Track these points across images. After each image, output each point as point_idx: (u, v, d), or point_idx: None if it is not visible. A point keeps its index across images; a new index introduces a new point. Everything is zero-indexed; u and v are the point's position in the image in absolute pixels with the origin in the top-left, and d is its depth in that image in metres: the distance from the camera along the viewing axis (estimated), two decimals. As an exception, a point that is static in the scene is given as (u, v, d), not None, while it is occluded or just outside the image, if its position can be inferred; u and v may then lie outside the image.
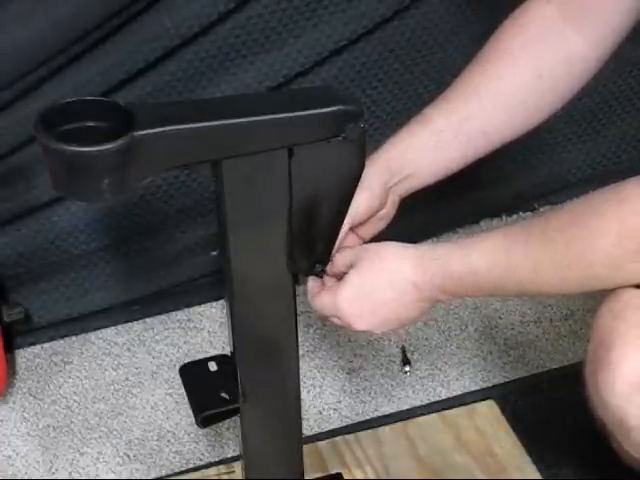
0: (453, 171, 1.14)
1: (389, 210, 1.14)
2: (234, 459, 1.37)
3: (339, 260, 1.07)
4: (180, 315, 1.64)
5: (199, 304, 1.65)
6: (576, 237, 0.94)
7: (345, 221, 1.05)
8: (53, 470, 1.41)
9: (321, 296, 1.07)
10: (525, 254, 0.97)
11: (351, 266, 1.06)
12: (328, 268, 1.07)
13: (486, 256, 0.99)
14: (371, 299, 1.05)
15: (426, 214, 1.74)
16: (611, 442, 1.33)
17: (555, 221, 0.97)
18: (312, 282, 1.09)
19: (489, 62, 1.12)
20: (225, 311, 1.07)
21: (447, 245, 1.04)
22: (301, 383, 1.12)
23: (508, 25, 1.12)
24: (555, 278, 0.96)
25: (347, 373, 1.53)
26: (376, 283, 1.05)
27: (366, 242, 1.13)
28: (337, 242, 1.06)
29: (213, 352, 1.54)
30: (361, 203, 1.07)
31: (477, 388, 1.49)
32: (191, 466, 1.41)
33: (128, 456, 1.42)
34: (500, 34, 1.12)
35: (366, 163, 1.00)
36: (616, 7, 1.07)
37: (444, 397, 1.49)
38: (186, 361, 1.14)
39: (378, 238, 1.14)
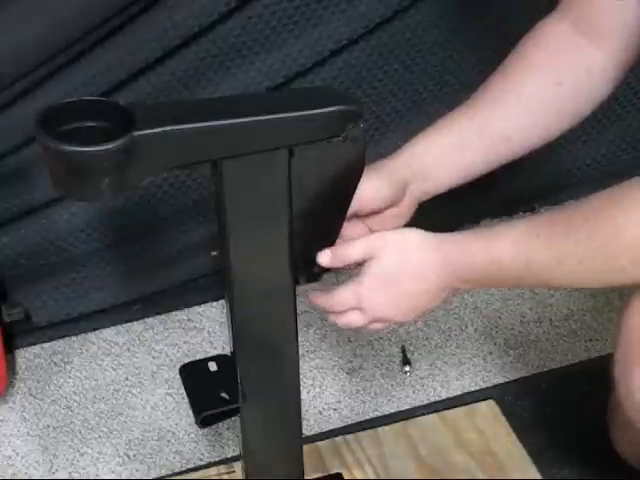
0: (474, 176, 1.14)
1: (404, 210, 1.13)
2: (234, 459, 1.37)
3: (352, 250, 1.05)
4: (180, 315, 1.64)
5: (199, 304, 1.65)
6: (600, 229, 0.93)
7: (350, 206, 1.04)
8: (53, 470, 1.41)
9: (340, 290, 1.06)
10: (548, 246, 0.96)
11: (369, 256, 1.05)
12: (333, 259, 1.05)
13: (508, 247, 0.98)
14: (395, 288, 1.04)
15: (426, 214, 1.74)
16: (613, 441, 1.33)
17: (579, 213, 0.96)
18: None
19: (510, 71, 1.12)
20: (225, 311, 1.07)
21: (469, 235, 1.04)
22: (301, 383, 1.12)
23: (526, 40, 1.13)
24: (578, 269, 0.95)
25: (347, 373, 1.53)
26: (399, 272, 1.04)
27: None
28: (341, 229, 1.05)
29: (213, 352, 1.54)
30: (367, 189, 1.05)
31: (477, 388, 1.49)
32: (191, 466, 1.41)
33: (128, 456, 1.42)
34: (519, 48, 1.13)
35: (387, 159, 1.00)
36: (624, 21, 1.08)
37: (444, 397, 1.49)
38: (186, 361, 1.14)
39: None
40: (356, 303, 1.06)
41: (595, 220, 0.94)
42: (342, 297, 1.06)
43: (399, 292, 1.05)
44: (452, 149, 1.11)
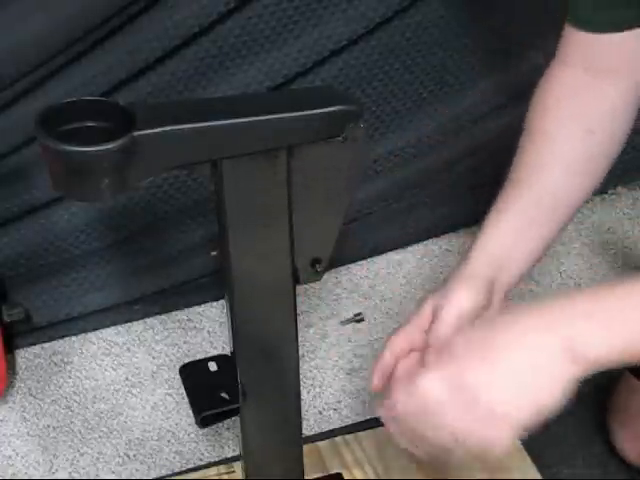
0: (542, 253, 1.08)
1: (495, 309, 1.03)
2: (234, 459, 1.37)
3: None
4: (180, 315, 1.64)
5: (199, 304, 1.65)
6: None
7: (449, 318, 0.97)
8: (53, 470, 1.41)
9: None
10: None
11: None
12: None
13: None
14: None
15: (426, 214, 1.74)
16: (614, 441, 1.34)
17: None
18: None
19: (538, 133, 1.10)
20: (225, 311, 1.07)
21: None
22: (301, 383, 1.12)
23: (544, 93, 1.11)
24: None
25: (347, 373, 1.53)
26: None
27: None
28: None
29: (213, 352, 1.54)
30: (463, 302, 0.99)
31: (477, 388, 1.49)
32: (191, 466, 1.41)
33: (128, 456, 1.42)
34: (539, 106, 1.11)
35: (463, 264, 0.97)
36: (630, 53, 1.08)
37: (444, 397, 1.48)
38: (186, 361, 1.14)
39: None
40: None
41: None
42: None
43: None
44: (522, 232, 1.06)
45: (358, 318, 1.62)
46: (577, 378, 0.84)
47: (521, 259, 1.06)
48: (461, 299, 1.00)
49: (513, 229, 1.06)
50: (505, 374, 0.84)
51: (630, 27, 1.06)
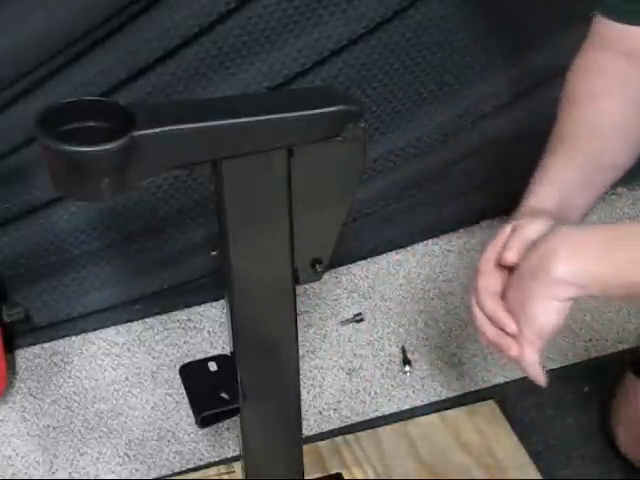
0: (588, 210, 1.11)
1: None
2: (234, 459, 1.37)
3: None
4: (180, 315, 1.64)
5: (199, 304, 1.65)
6: None
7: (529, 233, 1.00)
8: (53, 470, 1.41)
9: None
10: None
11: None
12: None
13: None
14: (520, 282, 0.99)
15: (426, 214, 1.74)
16: (614, 441, 1.33)
17: None
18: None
19: (589, 100, 1.12)
20: (225, 311, 1.07)
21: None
22: (301, 383, 1.12)
23: (582, 69, 1.13)
24: None
25: (347, 373, 1.53)
26: (527, 265, 0.98)
27: None
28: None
29: (213, 352, 1.54)
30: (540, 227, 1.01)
31: (477, 388, 1.49)
32: (191, 466, 1.41)
33: (128, 456, 1.42)
34: (579, 78, 1.13)
35: (526, 205, 1.01)
36: None
37: (444, 397, 1.49)
38: (186, 361, 1.14)
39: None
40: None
41: None
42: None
43: (523, 286, 0.98)
44: (577, 188, 1.09)
45: (358, 318, 1.62)
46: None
47: (577, 208, 1.09)
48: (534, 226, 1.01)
49: (570, 185, 1.08)
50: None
51: None
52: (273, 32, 1.46)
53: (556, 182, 1.08)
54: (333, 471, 1.35)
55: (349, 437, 1.41)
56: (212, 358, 1.11)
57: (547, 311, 0.97)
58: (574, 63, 1.15)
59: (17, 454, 1.43)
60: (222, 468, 1.38)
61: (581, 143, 1.10)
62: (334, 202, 1.01)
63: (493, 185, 1.73)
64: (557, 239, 0.96)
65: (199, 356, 1.14)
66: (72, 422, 1.47)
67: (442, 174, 1.70)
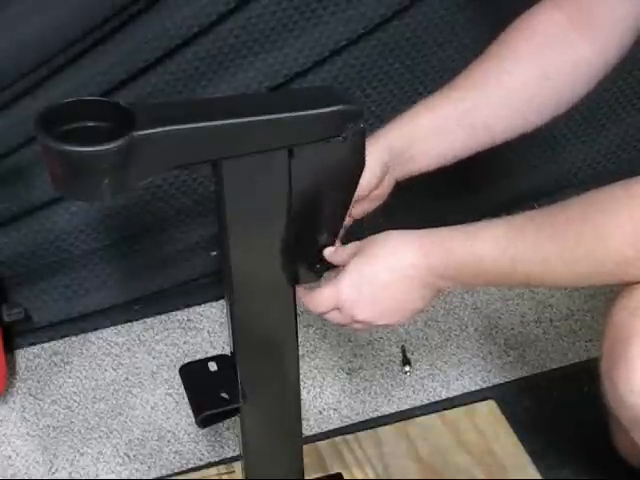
0: (451, 161, 1.13)
1: (384, 191, 1.13)
2: (234, 459, 1.37)
3: (340, 255, 1.05)
4: (180, 315, 1.64)
5: (199, 304, 1.65)
6: (586, 234, 0.93)
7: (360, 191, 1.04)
8: (53, 470, 1.41)
9: (321, 289, 1.05)
10: (533, 247, 0.96)
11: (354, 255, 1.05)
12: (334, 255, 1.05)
13: (491, 244, 0.98)
14: (371, 283, 1.02)
15: (426, 214, 1.74)
16: (614, 441, 1.33)
17: (563, 216, 0.97)
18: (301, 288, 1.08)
19: (497, 58, 1.12)
20: (225, 311, 1.07)
21: (451, 230, 1.03)
22: (301, 383, 1.12)
23: (516, 27, 1.13)
24: (564, 272, 0.96)
25: (347, 373, 1.53)
26: (375, 267, 1.02)
27: (356, 220, 1.13)
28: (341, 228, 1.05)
29: (213, 352, 1.54)
30: (360, 181, 1.04)
31: (477, 388, 1.49)
32: (191, 466, 1.41)
33: (128, 456, 1.42)
34: (508, 35, 1.13)
35: (368, 141, 0.99)
36: (622, 15, 1.08)
37: (444, 397, 1.49)
38: (186, 361, 1.14)
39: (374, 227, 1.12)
40: (334, 302, 1.04)
41: (581, 227, 0.94)
42: (321, 297, 1.05)
43: (375, 287, 1.03)
44: (433, 134, 1.11)
45: (358, 318, 1.62)
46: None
47: (422, 159, 1.12)
48: (370, 163, 1.05)
49: (424, 129, 1.11)
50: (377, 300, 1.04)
51: None
52: (273, 32, 1.46)
53: (411, 124, 1.11)
54: (333, 471, 1.35)
55: (349, 437, 1.41)
56: (212, 358, 1.11)
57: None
58: (527, 12, 1.14)
59: (17, 454, 1.43)
60: (222, 468, 1.38)
61: (458, 93, 1.11)
62: (334, 202, 1.01)
63: (493, 185, 1.73)
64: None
65: (199, 356, 1.14)
66: (72, 422, 1.47)
67: (442, 174, 1.70)
